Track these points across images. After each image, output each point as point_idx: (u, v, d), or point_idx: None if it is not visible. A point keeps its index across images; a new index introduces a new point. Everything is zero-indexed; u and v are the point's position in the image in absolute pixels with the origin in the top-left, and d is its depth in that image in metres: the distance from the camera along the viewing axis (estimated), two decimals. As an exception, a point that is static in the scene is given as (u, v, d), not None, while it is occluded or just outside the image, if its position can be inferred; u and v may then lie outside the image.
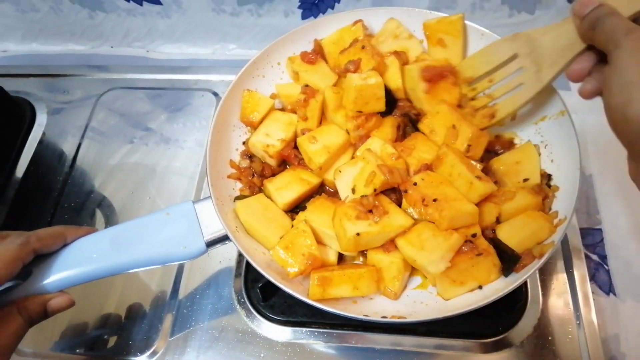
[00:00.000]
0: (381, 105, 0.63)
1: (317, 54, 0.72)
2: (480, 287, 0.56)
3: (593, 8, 0.48)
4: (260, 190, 0.66)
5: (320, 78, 0.69)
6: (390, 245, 0.58)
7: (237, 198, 0.64)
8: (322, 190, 0.66)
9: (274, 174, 0.66)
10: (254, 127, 0.69)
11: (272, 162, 0.66)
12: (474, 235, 0.56)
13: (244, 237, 0.61)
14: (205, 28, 1.01)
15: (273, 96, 0.72)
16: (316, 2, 0.93)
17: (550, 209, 0.60)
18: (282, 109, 0.71)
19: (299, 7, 0.94)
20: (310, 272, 0.57)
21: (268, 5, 0.94)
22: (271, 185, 0.63)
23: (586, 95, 0.50)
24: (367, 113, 0.64)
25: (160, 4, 0.96)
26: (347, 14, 0.74)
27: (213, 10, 0.96)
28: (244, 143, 0.69)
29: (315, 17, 0.96)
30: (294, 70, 0.71)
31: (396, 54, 0.67)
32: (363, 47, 0.67)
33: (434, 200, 0.56)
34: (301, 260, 0.57)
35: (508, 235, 0.57)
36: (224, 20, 0.98)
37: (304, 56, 0.71)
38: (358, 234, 0.55)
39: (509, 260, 0.56)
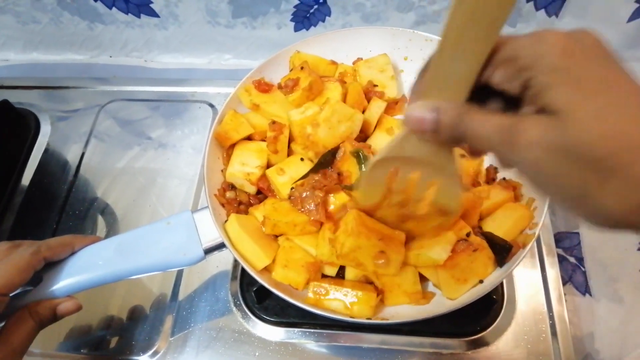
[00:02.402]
0: None
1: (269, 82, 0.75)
2: (481, 282, 0.60)
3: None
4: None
5: (279, 107, 0.71)
6: None
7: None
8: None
9: (259, 202, 0.69)
10: (223, 145, 0.70)
11: (252, 190, 0.68)
12: (468, 235, 0.60)
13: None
14: (201, 39, 1.04)
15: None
16: (307, 15, 0.96)
17: (522, 195, 0.65)
18: (250, 138, 0.72)
19: (291, 20, 0.97)
20: (311, 282, 0.61)
21: (262, 19, 0.98)
22: (258, 212, 0.66)
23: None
24: None
25: (157, 16, 0.99)
26: (336, 33, 0.78)
27: (208, 23, 1.00)
28: (222, 171, 0.70)
29: (307, 29, 0.99)
30: (252, 102, 0.73)
31: (341, 81, 0.70)
32: (302, 68, 0.71)
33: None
34: (303, 271, 0.61)
35: (494, 228, 0.61)
36: (219, 32, 1.01)
37: (258, 85, 0.73)
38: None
39: (501, 250, 0.59)
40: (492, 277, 0.59)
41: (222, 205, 0.68)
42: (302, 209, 0.62)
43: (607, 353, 0.70)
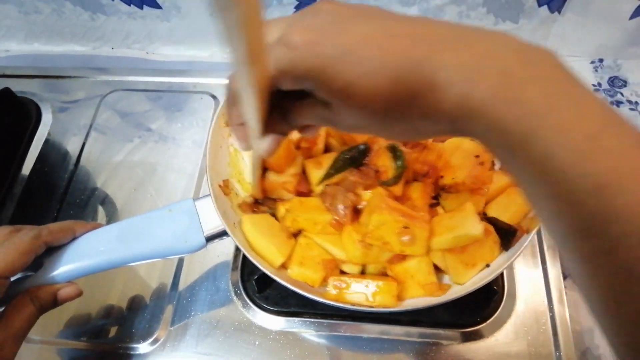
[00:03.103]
0: None
1: None
2: (488, 265, 0.59)
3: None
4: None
5: None
6: (397, 257, 0.60)
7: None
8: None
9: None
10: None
11: (290, 197, 0.67)
12: None
13: (241, 233, 0.64)
14: (203, 31, 1.04)
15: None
16: (310, 9, 0.96)
17: None
18: None
19: (294, 13, 0.97)
20: (329, 277, 0.60)
21: (264, 11, 0.97)
22: (283, 206, 0.65)
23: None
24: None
25: (160, 8, 0.99)
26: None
27: (211, 15, 0.99)
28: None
29: (309, 23, 0.99)
30: None
31: None
32: None
33: None
34: (320, 269, 0.60)
35: (498, 212, 0.61)
36: (222, 24, 1.01)
37: None
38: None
39: (507, 234, 0.59)
40: (498, 261, 0.59)
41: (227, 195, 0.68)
42: (330, 207, 0.62)
43: (607, 348, 0.70)
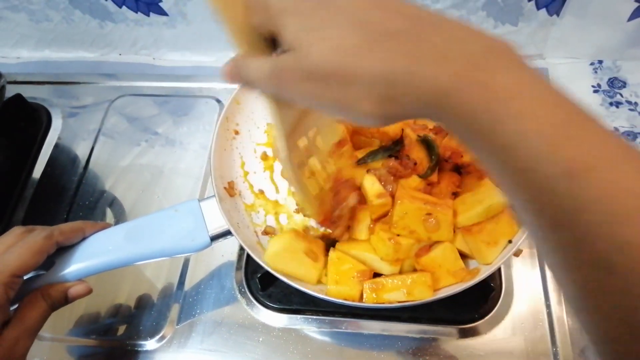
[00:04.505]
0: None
1: None
2: (510, 242, 0.59)
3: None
4: None
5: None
6: (423, 249, 0.61)
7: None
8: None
9: None
10: None
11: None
12: None
13: (245, 232, 0.66)
14: (208, 38, 1.06)
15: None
16: (313, 14, 0.98)
17: None
18: None
19: (297, 18, 0.99)
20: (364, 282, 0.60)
21: (268, 17, 0.99)
22: None
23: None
24: None
25: (166, 14, 1.02)
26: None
27: (216, 21, 1.01)
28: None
29: (312, 28, 1.01)
30: None
31: None
32: None
33: None
34: (356, 283, 0.60)
35: None
36: (227, 30, 1.03)
37: None
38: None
39: None
40: (521, 235, 0.59)
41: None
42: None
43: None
